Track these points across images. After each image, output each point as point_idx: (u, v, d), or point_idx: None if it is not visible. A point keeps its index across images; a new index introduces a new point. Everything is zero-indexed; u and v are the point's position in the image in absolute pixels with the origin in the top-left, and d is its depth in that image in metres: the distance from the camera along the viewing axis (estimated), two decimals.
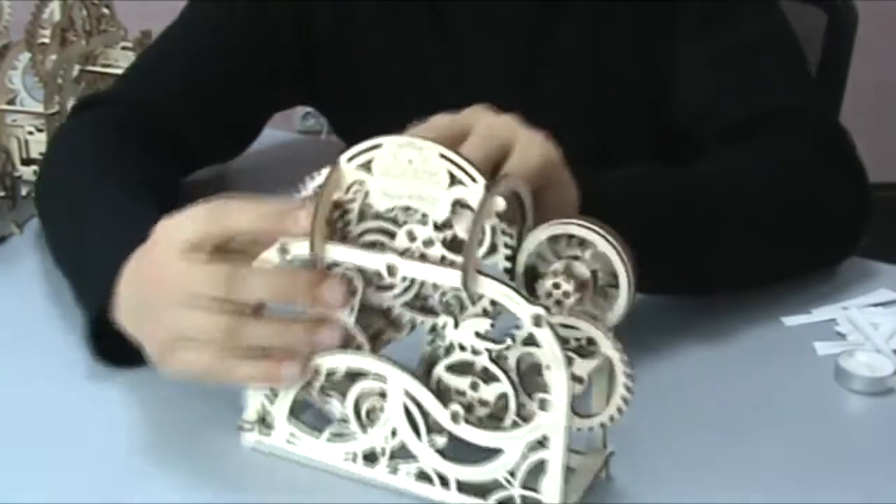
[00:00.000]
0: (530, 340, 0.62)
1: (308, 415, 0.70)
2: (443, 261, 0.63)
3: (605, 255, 0.63)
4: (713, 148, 0.94)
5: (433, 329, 0.65)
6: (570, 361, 0.61)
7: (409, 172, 0.62)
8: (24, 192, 1.00)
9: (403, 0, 1.03)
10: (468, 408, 0.64)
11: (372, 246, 0.65)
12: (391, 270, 0.63)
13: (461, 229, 0.62)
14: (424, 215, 0.63)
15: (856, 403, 0.78)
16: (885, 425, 0.76)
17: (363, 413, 0.67)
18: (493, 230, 0.63)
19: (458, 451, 0.65)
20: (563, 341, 0.61)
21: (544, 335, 0.61)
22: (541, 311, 0.60)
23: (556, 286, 0.63)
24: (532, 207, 0.66)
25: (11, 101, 1.12)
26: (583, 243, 0.64)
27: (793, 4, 1.18)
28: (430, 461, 0.65)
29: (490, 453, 0.64)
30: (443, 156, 0.61)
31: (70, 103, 1.07)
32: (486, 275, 0.62)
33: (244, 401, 0.70)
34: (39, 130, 1.09)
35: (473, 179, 0.61)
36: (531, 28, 1.02)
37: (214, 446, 0.71)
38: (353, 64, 1.05)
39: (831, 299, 0.89)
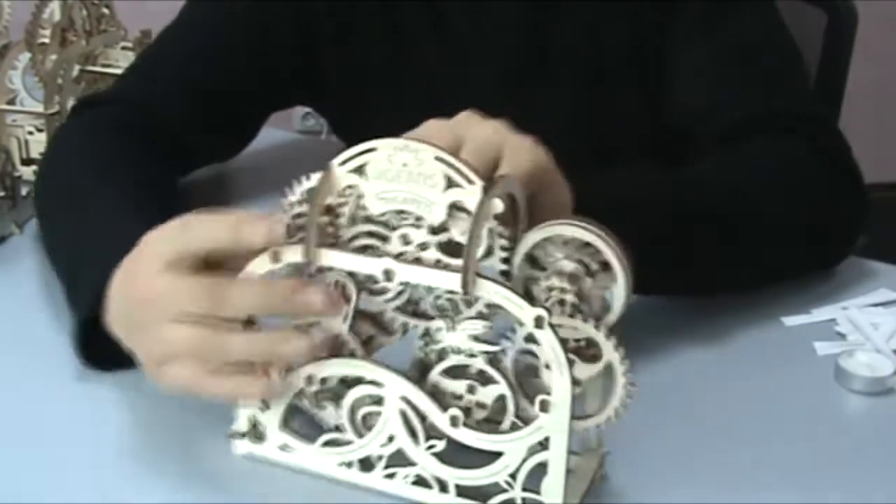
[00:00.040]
0: (529, 342, 0.62)
1: (298, 422, 0.69)
2: (438, 264, 0.62)
3: (600, 256, 0.63)
4: (712, 148, 0.94)
5: (426, 333, 0.65)
6: (571, 363, 0.61)
7: (404, 175, 0.61)
8: (24, 192, 1.00)
9: (403, 0, 1.03)
10: (466, 411, 0.64)
11: (363, 250, 0.64)
12: (388, 275, 0.62)
13: (457, 232, 0.62)
14: (418, 218, 0.62)
15: (856, 403, 0.77)
16: (885, 425, 0.76)
17: (358, 419, 0.66)
18: (490, 232, 0.63)
19: (454, 454, 0.65)
20: (563, 342, 0.61)
21: (546, 336, 0.60)
22: (542, 312, 0.60)
23: (553, 288, 0.63)
24: (526, 209, 0.65)
25: (11, 101, 1.12)
26: (578, 244, 0.63)
27: (793, 4, 1.18)
28: (429, 466, 0.65)
29: (489, 456, 0.64)
30: (438, 158, 0.61)
31: (70, 103, 1.07)
32: (486, 277, 0.61)
33: (235, 410, 0.69)
34: (39, 130, 1.09)
35: (470, 182, 0.61)
36: (531, 28, 1.02)
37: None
38: (352, 64, 1.05)
39: (831, 299, 0.89)
